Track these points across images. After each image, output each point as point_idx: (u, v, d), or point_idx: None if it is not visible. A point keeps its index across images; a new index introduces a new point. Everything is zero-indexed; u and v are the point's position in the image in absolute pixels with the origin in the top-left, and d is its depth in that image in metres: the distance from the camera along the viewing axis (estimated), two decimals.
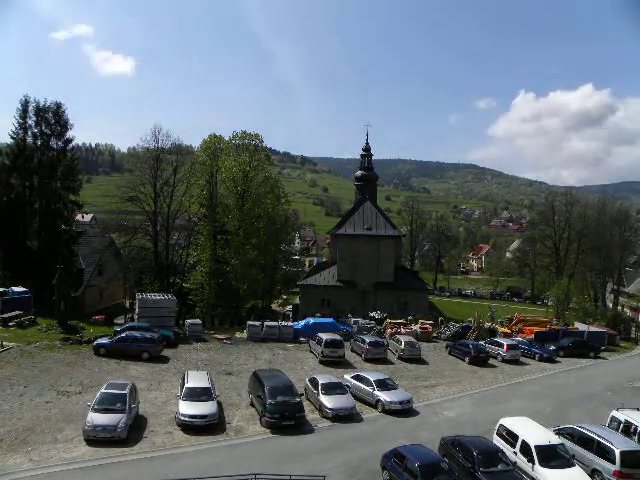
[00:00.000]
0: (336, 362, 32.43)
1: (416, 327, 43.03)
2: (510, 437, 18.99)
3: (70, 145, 45.58)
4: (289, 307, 63.90)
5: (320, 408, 23.40)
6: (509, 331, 44.74)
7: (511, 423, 19.64)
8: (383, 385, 25.35)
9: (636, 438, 19.80)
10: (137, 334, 31.36)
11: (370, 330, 40.67)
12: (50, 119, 43.82)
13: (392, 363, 34.03)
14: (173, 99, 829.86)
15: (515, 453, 18.41)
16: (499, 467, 16.85)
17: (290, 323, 41.60)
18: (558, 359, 38.51)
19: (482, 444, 17.95)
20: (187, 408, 21.06)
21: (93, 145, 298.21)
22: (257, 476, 15.64)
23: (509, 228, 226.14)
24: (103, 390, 20.86)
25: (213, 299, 47.94)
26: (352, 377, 26.71)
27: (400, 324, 43.54)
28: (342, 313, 48.59)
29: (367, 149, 66.53)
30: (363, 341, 34.98)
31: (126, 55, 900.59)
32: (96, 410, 19.57)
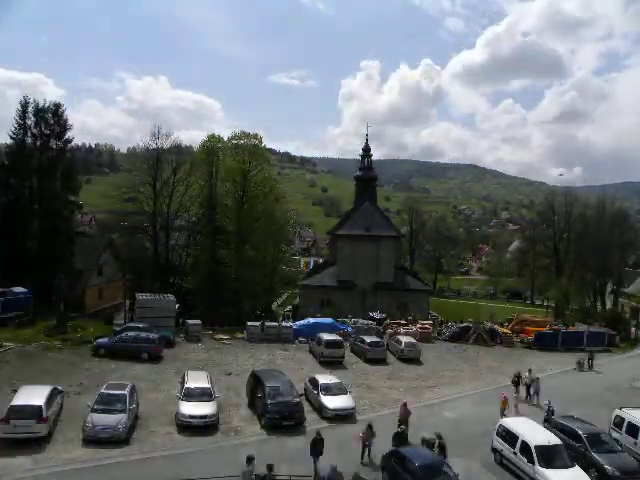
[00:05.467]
0: (336, 362, 32.41)
1: (416, 327, 42.97)
2: (510, 437, 19.03)
3: (69, 145, 45.62)
4: (289, 307, 63.95)
5: (320, 408, 23.38)
6: (509, 331, 44.72)
7: (511, 423, 19.69)
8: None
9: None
10: (136, 334, 31.35)
11: (370, 331, 40.60)
12: (49, 119, 43.84)
13: (392, 363, 34.02)
14: None
15: (515, 453, 18.45)
16: None
17: (290, 323, 41.59)
18: (557, 359, 38.51)
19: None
20: (187, 408, 21.10)
21: (93, 145, 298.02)
22: (257, 476, 15.64)
23: (509, 228, 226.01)
24: (103, 390, 20.93)
25: (213, 300, 47.90)
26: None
27: (400, 324, 43.51)
28: (342, 313, 48.55)
29: (367, 149, 66.56)
30: (363, 341, 34.93)
31: None
32: (96, 410, 19.61)
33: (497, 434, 19.79)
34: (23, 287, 37.65)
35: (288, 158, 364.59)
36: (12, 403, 18.92)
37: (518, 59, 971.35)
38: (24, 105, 43.44)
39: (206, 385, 22.76)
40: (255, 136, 53.10)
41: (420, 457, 16.72)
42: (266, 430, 21.38)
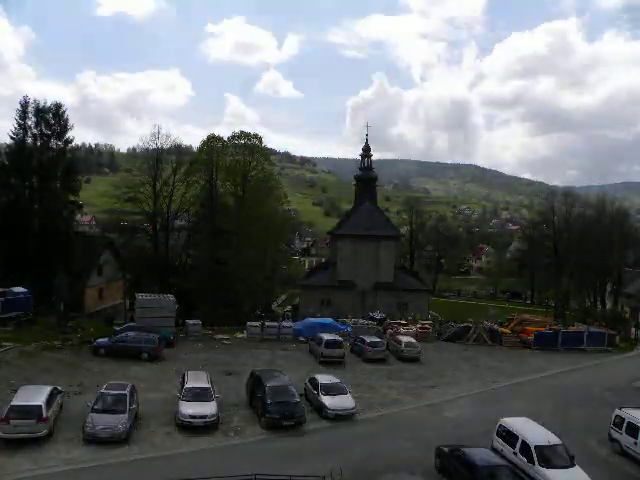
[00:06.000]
0: (336, 362, 32.41)
1: (416, 327, 42.96)
2: (510, 437, 19.00)
3: (70, 145, 45.63)
4: (289, 307, 63.95)
5: (320, 408, 23.36)
6: (509, 331, 44.70)
7: (511, 423, 19.65)
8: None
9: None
10: (136, 334, 31.35)
11: (370, 331, 40.61)
12: (50, 119, 43.84)
13: (392, 364, 34.02)
14: None
15: (515, 453, 18.43)
16: None
17: (290, 323, 41.60)
18: (557, 359, 38.49)
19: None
20: (187, 408, 21.08)
21: (93, 145, 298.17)
22: (257, 476, 15.65)
23: (509, 228, 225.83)
24: (103, 391, 20.91)
25: (213, 300, 47.88)
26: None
27: (400, 324, 43.52)
28: (342, 313, 48.57)
29: (367, 149, 66.47)
30: (363, 341, 34.91)
31: None
32: (96, 410, 19.61)
33: (497, 434, 19.77)
34: (23, 287, 37.64)
35: (288, 158, 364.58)
36: (12, 403, 18.91)
37: None
38: (24, 105, 43.45)
39: (206, 385, 22.75)
40: (255, 136, 53.16)
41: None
42: (266, 430, 21.38)
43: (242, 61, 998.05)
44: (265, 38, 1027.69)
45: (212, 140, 51.69)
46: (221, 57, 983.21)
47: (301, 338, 38.37)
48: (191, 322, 38.22)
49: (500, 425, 19.85)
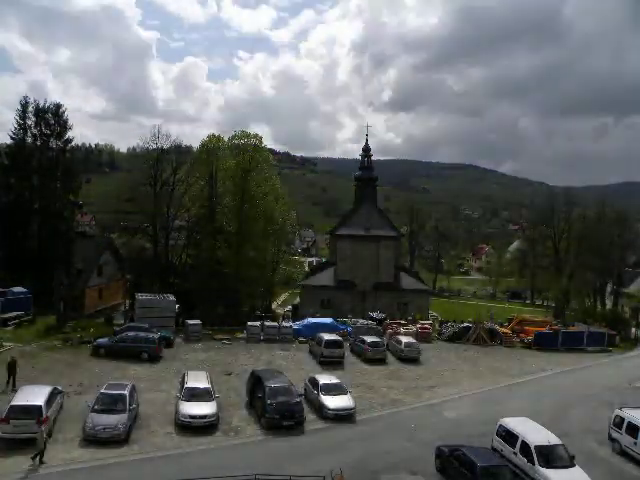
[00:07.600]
0: (336, 362, 32.41)
1: (416, 327, 42.96)
2: (510, 437, 19.03)
3: (69, 145, 45.68)
4: (289, 307, 63.90)
5: (320, 408, 23.37)
6: (509, 331, 44.71)
7: (511, 423, 19.67)
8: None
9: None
10: (136, 334, 31.36)
11: (370, 331, 40.59)
12: (49, 119, 43.92)
13: (392, 363, 34.02)
14: None
15: (515, 453, 18.44)
16: None
17: (290, 323, 41.59)
18: (557, 359, 38.48)
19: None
20: (187, 408, 21.12)
21: (93, 145, 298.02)
22: (257, 476, 15.66)
23: (509, 229, 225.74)
24: (103, 390, 20.96)
25: (213, 300, 47.88)
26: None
27: (400, 324, 43.52)
28: (342, 313, 48.55)
29: (367, 149, 66.44)
30: (363, 342, 34.91)
31: None
32: (96, 410, 19.64)
33: (497, 434, 19.78)
34: (23, 287, 37.68)
35: (288, 158, 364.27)
36: (12, 403, 18.92)
37: None
38: (24, 105, 43.56)
39: (206, 385, 22.79)
40: (255, 136, 52.99)
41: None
42: (266, 430, 21.38)
43: None
44: None
45: (212, 140, 51.61)
46: None
47: (301, 338, 38.37)
48: (191, 322, 38.20)
49: (500, 425, 19.87)
